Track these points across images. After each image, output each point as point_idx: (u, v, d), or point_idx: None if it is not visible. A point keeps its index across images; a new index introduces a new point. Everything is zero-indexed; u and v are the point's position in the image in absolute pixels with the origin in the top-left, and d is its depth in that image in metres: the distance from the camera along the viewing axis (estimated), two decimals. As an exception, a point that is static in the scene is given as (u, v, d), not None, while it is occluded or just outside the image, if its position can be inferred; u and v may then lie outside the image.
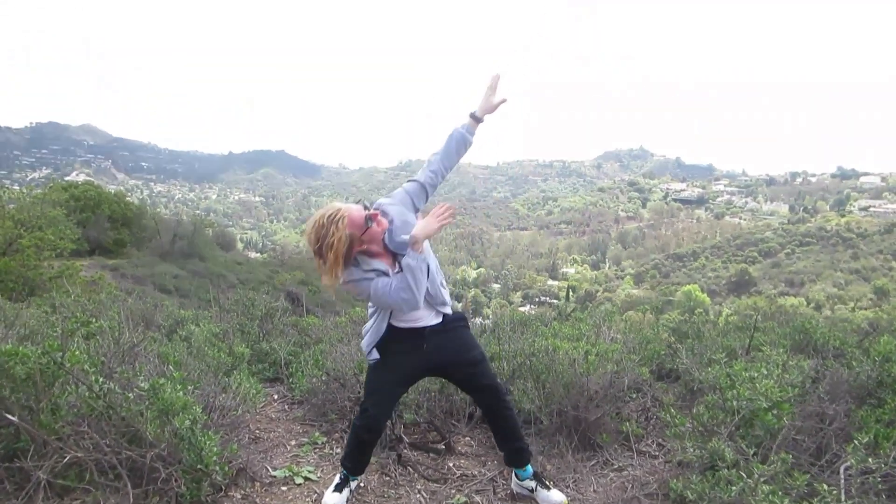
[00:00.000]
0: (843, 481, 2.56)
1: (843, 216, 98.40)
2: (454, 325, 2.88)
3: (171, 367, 3.25)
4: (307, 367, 4.41)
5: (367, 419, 2.80)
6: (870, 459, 2.51)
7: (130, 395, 2.74)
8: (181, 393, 2.81)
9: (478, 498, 3.03)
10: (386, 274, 2.67)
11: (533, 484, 2.99)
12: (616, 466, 3.35)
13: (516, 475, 3.04)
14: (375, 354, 2.84)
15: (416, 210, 2.78)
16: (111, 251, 30.18)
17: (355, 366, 3.94)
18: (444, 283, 2.90)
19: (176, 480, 2.65)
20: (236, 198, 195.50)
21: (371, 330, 2.84)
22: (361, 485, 3.09)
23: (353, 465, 2.93)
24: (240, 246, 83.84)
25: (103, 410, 2.74)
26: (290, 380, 4.67)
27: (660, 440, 3.69)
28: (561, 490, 3.04)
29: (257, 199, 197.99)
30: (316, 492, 3.05)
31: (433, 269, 2.74)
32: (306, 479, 3.17)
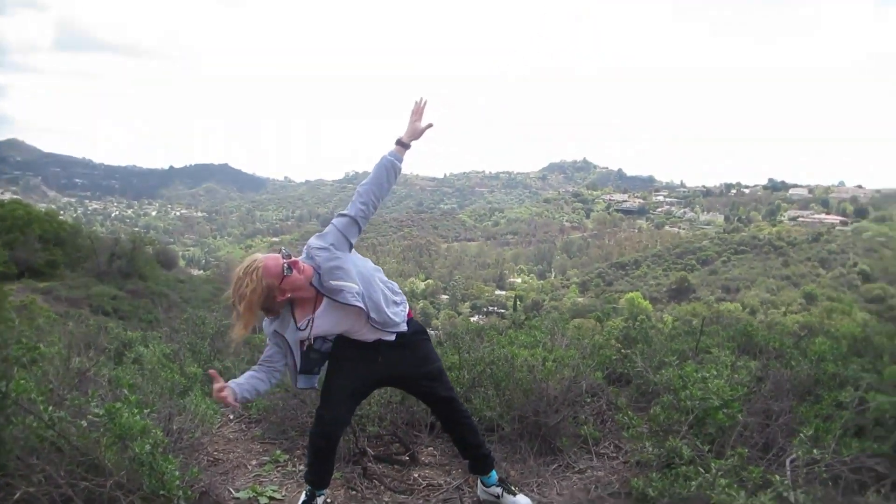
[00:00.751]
0: (789, 472, 2.71)
1: (774, 226, 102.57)
2: (413, 338, 2.90)
3: (125, 390, 3.15)
4: (264, 385, 4.34)
5: (322, 426, 2.80)
6: (815, 451, 2.67)
7: (83, 422, 2.65)
8: (138, 417, 2.74)
9: (445, 507, 3.05)
10: (279, 336, 2.76)
11: (499, 490, 3.03)
12: (577, 469, 3.43)
13: (482, 482, 3.07)
14: (303, 382, 2.87)
15: (350, 246, 2.76)
16: (43, 273, 28.83)
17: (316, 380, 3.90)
18: (399, 299, 2.90)
19: (137, 507, 2.57)
20: (177, 214, 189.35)
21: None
22: (329, 500, 3.07)
23: (316, 477, 2.90)
24: (182, 263, 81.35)
25: (55, 440, 2.63)
26: (246, 399, 4.58)
27: (616, 442, 3.79)
28: (526, 494, 3.09)
29: (200, 214, 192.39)
30: (281, 511, 3.01)
31: (377, 300, 2.74)
32: (271, 498, 3.13)
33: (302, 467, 3.51)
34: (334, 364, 2.87)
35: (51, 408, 2.62)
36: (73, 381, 3.22)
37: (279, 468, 3.54)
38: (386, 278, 2.89)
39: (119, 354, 5.17)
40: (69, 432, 2.61)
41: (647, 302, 67.38)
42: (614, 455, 3.63)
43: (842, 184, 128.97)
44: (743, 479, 2.54)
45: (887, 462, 2.79)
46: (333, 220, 2.78)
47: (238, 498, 3.11)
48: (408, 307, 2.93)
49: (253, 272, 2.57)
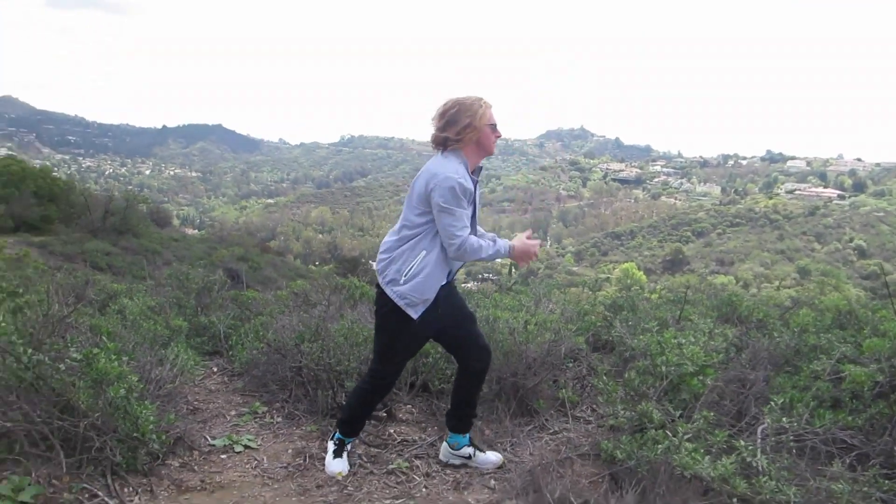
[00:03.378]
0: (759, 440, 2.74)
1: (770, 199, 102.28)
2: (453, 285, 3.02)
3: (104, 338, 3.18)
4: (248, 340, 4.37)
5: (378, 380, 2.93)
6: (784, 419, 2.69)
7: (62, 366, 2.67)
8: (115, 363, 2.76)
9: (418, 462, 3.09)
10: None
11: (470, 450, 3.03)
12: (552, 431, 3.47)
13: (450, 445, 3.05)
14: (420, 310, 2.76)
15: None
16: (38, 228, 28.74)
17: (296, 336, 3.92)
18: None
19: (111, 449, 2.61)
20: (171, 173, 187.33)
21: (429, 273, 2.75)
22: (303, 452, 3.11)
23: (356, 425, 3.02)
24: (176, 222, 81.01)
25: (33, 381, 2.67)
26: (230, 352, 4.62)
27: (594, 406, 3.83)
28: (499, 452, 3.13)
29: (194, 174, 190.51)
30: (256, 459, 3.06)
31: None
32: (246, 447, 3.17)
33: (280, 419, 3.55)
34: (412, 328, 2.79)
35: (30, 350, 2.65)
36: (54, 328, 3.23)
37: (257, 419, 3.58)
38: None
39: (103, 305, 5.18)
40: (47, 374, 2.64)
41: (642, 273, 67.61)
42: (590, 419, 3.68)
43: (841, 157, 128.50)
44: (709, 443, 2.57)
45: (861, 435, 2.81)
46: None
47: (214, 445, 3.15)
48: None
49: (484, 102, 2.76)
